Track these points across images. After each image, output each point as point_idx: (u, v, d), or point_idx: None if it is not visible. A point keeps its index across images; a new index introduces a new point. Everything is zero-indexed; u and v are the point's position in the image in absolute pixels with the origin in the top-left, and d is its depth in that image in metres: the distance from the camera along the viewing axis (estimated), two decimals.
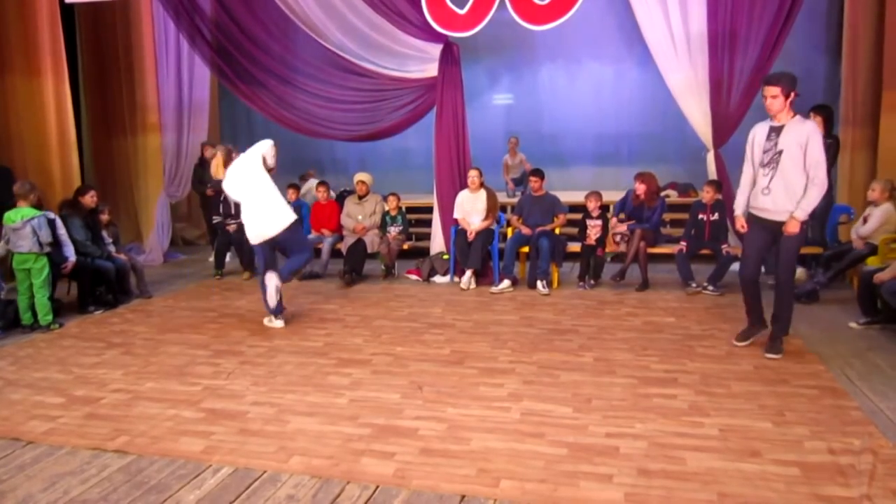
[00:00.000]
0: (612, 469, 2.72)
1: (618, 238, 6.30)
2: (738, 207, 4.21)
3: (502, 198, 7.42)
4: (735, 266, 4.93)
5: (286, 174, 7.59)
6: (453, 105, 6.76)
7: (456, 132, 6.80)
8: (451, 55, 6.69)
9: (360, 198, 7.08)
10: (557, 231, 6.42)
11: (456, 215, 6.66)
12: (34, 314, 5.23)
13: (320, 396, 3.64)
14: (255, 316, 5.34)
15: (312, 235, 7.11)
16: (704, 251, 6.11)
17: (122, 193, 8.59)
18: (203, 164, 7.95)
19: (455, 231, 6.67)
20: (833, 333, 4.54)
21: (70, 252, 5.43)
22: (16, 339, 5.03)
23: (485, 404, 3.45)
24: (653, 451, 2.86)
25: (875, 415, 3.18)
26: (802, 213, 3.85)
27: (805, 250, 5.54)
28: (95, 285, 5.88)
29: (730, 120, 6.13)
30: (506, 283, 6.20)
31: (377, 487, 2.64)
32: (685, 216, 6.39)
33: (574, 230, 6.62)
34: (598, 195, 6.47)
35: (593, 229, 6.34)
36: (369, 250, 6.82)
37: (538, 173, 6.56)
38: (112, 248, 6.10)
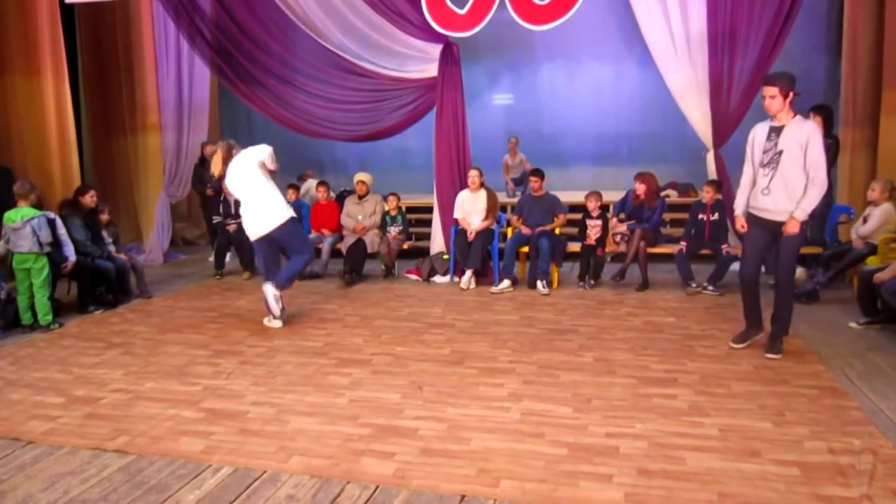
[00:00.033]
0: (612, 469, 2.72)
1: (618, 238, 6.30)
2: (739, 207, 4.21)
3: (502, 198, 7.42)
4: (735, 266, 4.93)
5: (286, 174, 7.58)
6: (453, 105, 6.76)
7: (456, 132, 6.80)
8: (451, 55, 6.69)
9: (360, 198, 7.08)
10: (557, 231, 6.42)
11: (456, 215, 6.66)
12: (34, 314, 5.22)
13: (320, 396, 3.64)
14: (255, 316, 5.34)
15: (312, 235, 7.11)
16: (704, 251, 6.11)
17: (122, 193, 8.60)
18: (203, 164, 7.95)
19: (455, 231, 6.67)
20: (833, 333, 4.54)
21: (70, 252, 5.43)
22: (16, 338, 5.03)
23: (485, 404, 3.45)
24: (653, 451, 2.86)
25: (875, 415, 3.18)
26: (802, 213, 3.85)
27: (805, 250, 5.54)
28: (95, 285, 5.88)
29: (730, 120, 6.13)
30: (506, 283, 6.20)
31: (377, 487, 2.64)
32: (685, 216, 6.39)
33: (574, 230, 6.62)
34: (598, 195, 6.47)
35: (593, 229, 6.34)
36: (369, 250, 6.82)
37: (538, 173, 6.56)
38: (112, 248, 6.09)
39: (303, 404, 3.53)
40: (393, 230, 6.99)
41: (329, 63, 7.18)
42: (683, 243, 5.98)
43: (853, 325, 4.68)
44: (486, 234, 6.44)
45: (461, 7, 6.26)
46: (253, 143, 5.15)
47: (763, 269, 4.60)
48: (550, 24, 6.01)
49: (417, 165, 8.86)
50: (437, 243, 7.11)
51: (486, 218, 6.51)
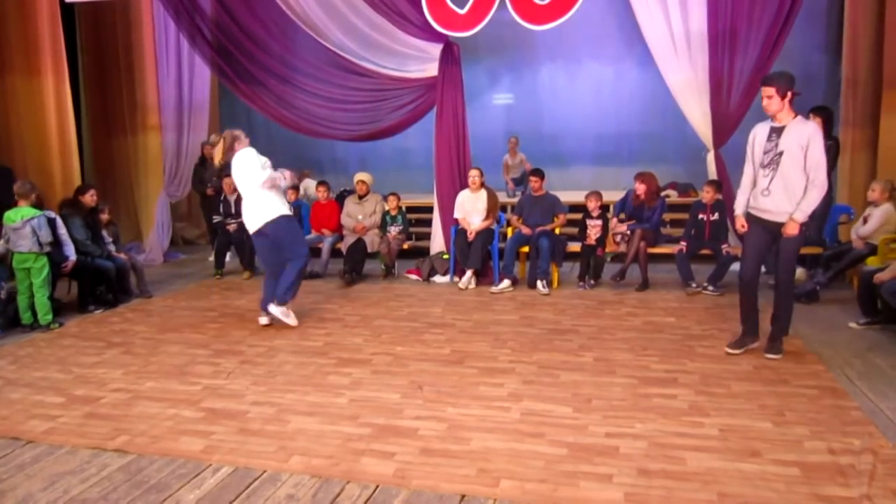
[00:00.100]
0: (612, 469, 2.72)
1: (618, 238, 6.30)
2: (739, 207, 4.20)
3: (502, 198, 7.42)
4: (735, 266, 4.93)
5: None
6: (453, 105, 6.76)
7: (456, 132, 6.80)
8: (451, 55, 6.69)
9: (361, 197, 7.08)
10: (557, 231, 6.42)
11: (456, 215, 6.66)
12: (34, 313, 5.22)
13: (320, 396, 3.64)
14: (255, 315, 5.33)
15: (312, 235, 7.12)
16: (704, 251, 6.11)
17: (122, 193, 8.60)
18: (203, 164, 7.96)
19: (455, 231, 6.67)
20: (833, 333, 4.54)
21: (70, 251, 5.43)
22: (16, 338, 5.03)
23: (485, 404, 3.45)
24: (653, 451, 2.86)
25: (875, 415, 3.18)
26: (801, 214, 3.84)
27: (805, 250, 5.54)
28: (95, 285, 5.88)
29: (730, 120, 6.13)
30: (506, 282, 6.20)
31: (377, 487, 2.64)
32: (685, 216, 6.39)
33: (574, 230, 6.62)
34: (599, 195, 6.47)
35: (593, 229, 6.34)
36: (369, 250, 6.82)
37: (538, 173, 6.56)
38: (112, 248, 6.09)
39: (303, 404, 3.53)
40: (393, 230, 6.99)
41: (329, 63, 7.17)
42: (683, 243, 5.98)
43: (853, 325, 4.68)
44: (486, 234, 6.44)
45: (461, 7, 6.26)
46: (253, 143, 5.15)
47: (763, 269, 4.60)
48: (550, 24, 6.01)
49: (417, 165, 8.87)
50: (438, 243, 7.11)
51: (487, 218, 6.51)
